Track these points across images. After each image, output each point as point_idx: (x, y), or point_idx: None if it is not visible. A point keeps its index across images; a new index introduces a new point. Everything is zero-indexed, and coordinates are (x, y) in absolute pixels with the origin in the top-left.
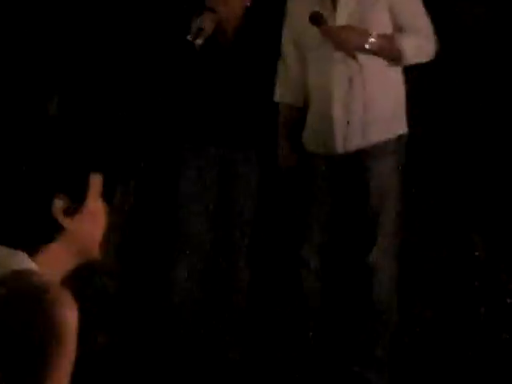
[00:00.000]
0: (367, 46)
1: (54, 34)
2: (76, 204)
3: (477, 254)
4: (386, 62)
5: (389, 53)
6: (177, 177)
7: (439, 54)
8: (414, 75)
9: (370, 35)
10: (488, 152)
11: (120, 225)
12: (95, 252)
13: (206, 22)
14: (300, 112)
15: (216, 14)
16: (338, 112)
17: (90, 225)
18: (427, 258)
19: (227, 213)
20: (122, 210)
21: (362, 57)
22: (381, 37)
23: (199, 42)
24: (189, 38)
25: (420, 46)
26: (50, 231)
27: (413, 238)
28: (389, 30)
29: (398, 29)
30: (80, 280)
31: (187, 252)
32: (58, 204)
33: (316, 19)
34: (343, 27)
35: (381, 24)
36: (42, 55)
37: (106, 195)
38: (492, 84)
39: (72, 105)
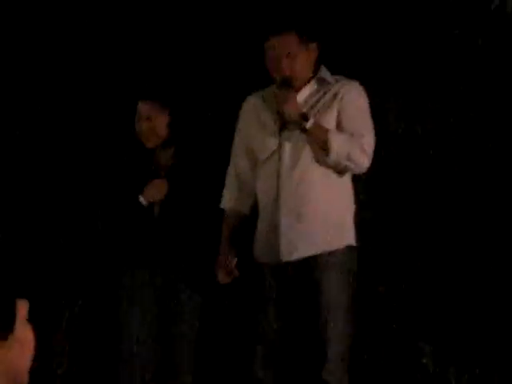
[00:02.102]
0: (305, 124)
1: None
2: (3, 332)
3: (424, 361)
4: (331, 171)
5: (317, 140)
6: (116, 301)
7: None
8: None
9: (308, 119)
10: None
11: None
12: (24, 379)
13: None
14: (244, 220)
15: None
16: (284, 219)
17: (17, 351)
18: (376, 366)
19: (169, 335)
20: (69, 334)
21: (308, 167)
22: (317, 124)
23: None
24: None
25: (350, 150)
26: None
27: (363, 347)
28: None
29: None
30: None
31: (130, 373)
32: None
33: (286, 81)
34: (293, 100)
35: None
36: None
37: (38, 319)
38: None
39: None
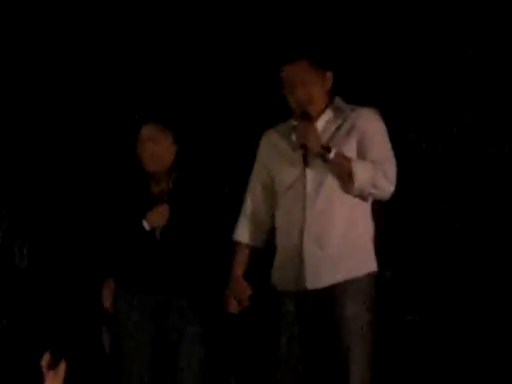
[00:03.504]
0: (328, 156)
1: None
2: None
3: None
4: (354, 200)
5: (340, 171)
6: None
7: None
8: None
9: (330, 150)
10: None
11: None
12: None
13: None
14: (254, 252)
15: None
16: (308, 247)
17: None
18: None
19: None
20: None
21: (331, 194)
22: (339, 154)
23: (157, 234)
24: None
25: (374, 177)
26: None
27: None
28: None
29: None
30: None
31: None
32: (45, 360)
33: (305, 113)
34: (315, 132)
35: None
36: None
37: None
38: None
39: None
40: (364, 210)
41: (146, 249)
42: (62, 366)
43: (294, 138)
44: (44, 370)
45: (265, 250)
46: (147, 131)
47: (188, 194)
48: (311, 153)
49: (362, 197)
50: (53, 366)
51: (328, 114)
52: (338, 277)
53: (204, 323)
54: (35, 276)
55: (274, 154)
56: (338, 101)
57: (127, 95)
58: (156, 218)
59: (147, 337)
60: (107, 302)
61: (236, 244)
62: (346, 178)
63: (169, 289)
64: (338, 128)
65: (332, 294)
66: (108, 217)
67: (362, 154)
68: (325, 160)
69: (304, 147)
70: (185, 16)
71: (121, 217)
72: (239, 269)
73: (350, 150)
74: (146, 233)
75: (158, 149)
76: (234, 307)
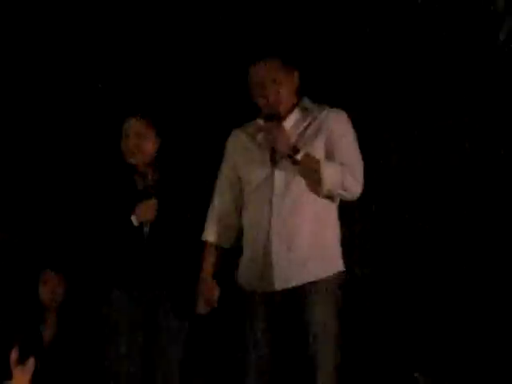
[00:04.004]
0: (296, 157)
1: None
2: (25, 356)
3: None
4: (322, 201)
5: (309, 172)
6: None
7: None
8: None
9: (299, 151)
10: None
11: None
12: None
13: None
14: (224, 253)
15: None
16: (275, 248)
17: (28, 377)
18: None
19: (154, 354)
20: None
21: (299, 194)
22: (308, 155)
23: (146, 229)
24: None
25: (343, 178)
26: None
27: (358, 377)
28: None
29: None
30: None
31: None
32: (14, 355)
33: (273, 115)
34: (284, 133)
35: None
36: None
37: None
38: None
39: None
40: (332, 211)
41: (133, 244)
42: (31, 361)
43: (260, 138)
44: (12, 365)
45: (229, 250)
46: (132, 126)
47: (174, 188)
48: (279, 153)
49: (330, 197)
50: (21, 360)
51: (296, 114)
52: (306, 277)
53: (187, 317)
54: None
55: (241, 154)
56: (305, 100)
57: (111, 92)
58: (144, 213)
59: (139, 335)
60: (46, 292)
61: (205, 244)
62: (314, 179)
63: (155, 283)
64: (306, 128)
65: (300, 295)
66: (95, 213)
67: (330, 155)
68: (293, 161)
69: (272, 148)
70: (162, 16)
71: (108, 213)
72: (208, 269)
73: (318, 151)
74: (134, 228)
75: (142, 142)
76: (201, 308)
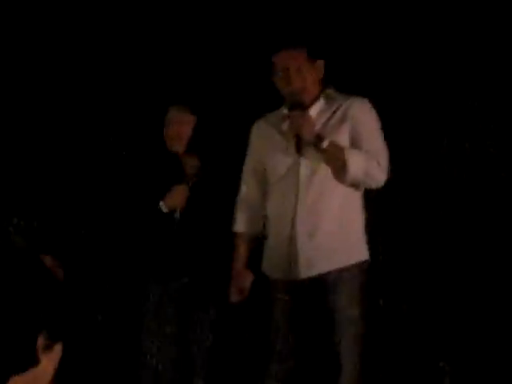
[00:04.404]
0: (321, 145)
1: None
2: (52, 342)
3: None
4: (346, 189)
5: (334, 160)
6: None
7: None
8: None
9: (324, 139)
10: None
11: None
12: None
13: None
14: (255, 242)
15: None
16: (301, 236)
17: (54, 363)
18: None
19: (186, 342)
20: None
21: (324, 183)
22: (333, 143)
23: (177, 215)
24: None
25: (367, 166)
26: (28, 365)
27: (382, 364)
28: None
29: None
30: None
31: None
32: (40, 341)
33: (298, 103)
34: (309, 121)
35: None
36: None
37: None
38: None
39: None
40: (356, 199)
41: (163, 231)
42: (59, 347)
43: (285, 126)
44: (39, 350)
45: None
46: (175, 113)
47: (211, 179)
48: (304, 142)
49: (355, 186)
50: (49, 346)
51: (321, 103)
52: (331, 265)
53: (216, 305)
54: (32, 255)
55: (265, 144)
56: (330, 90)
57: (154, 78)
58: (174, 199)
59: (173, 327)
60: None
61: (235, 236)
62: (339, 167)
63: (185, 271)
64: (331, 117)
65: (325, 282)
66: (130, 198)
67: (354, 143)
68: (318, 149)
69: (297, 136)
70: (182, 8)
71: (142, 198)
72: (240, 259)
73: (343, 139)
74: (164, 215)
75: (183, 130)
76: (234, 297)
